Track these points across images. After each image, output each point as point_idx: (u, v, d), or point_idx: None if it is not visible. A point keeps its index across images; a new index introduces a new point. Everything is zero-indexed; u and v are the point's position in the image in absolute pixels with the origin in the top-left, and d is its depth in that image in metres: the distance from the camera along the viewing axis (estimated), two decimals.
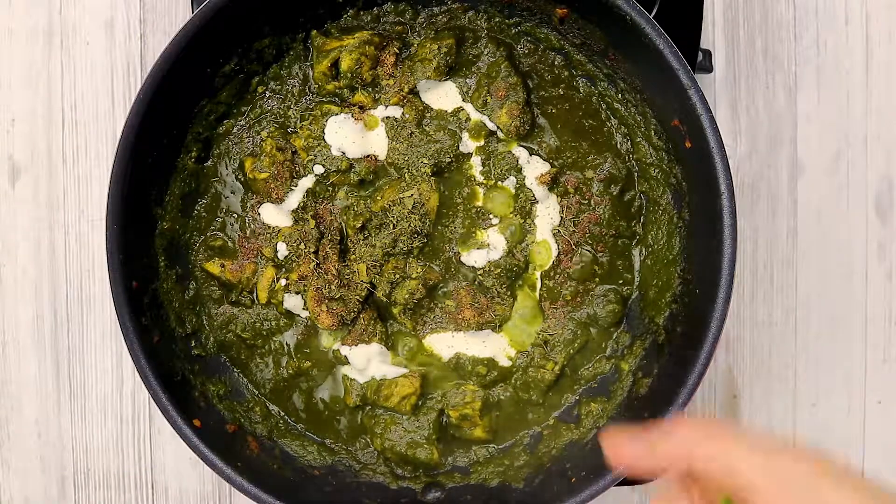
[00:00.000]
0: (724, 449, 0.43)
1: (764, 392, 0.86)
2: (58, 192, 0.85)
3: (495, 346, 0.79)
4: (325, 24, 0.78)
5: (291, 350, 0.79)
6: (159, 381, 0.70)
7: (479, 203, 0.79)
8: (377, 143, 0.78)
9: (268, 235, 0.78)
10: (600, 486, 0.68)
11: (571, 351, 0.79)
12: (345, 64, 0.75)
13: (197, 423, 0.72)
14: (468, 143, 0.78)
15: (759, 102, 0.85)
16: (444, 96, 0.78)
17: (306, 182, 0.77)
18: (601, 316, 0.78)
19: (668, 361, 0.73)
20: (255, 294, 0.79)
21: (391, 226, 0.76)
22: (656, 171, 0.77)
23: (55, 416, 0.86)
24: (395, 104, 0.77)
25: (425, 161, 0.76)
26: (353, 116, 0.77)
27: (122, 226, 0.69)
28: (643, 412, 0.73)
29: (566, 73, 0.78)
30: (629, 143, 0.78)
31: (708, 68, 0.80)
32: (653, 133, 0.75)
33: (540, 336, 0.79)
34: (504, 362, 0.79)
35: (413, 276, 0.76)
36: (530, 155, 0.78)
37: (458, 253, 0.78)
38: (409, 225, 0.76)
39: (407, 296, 0.76)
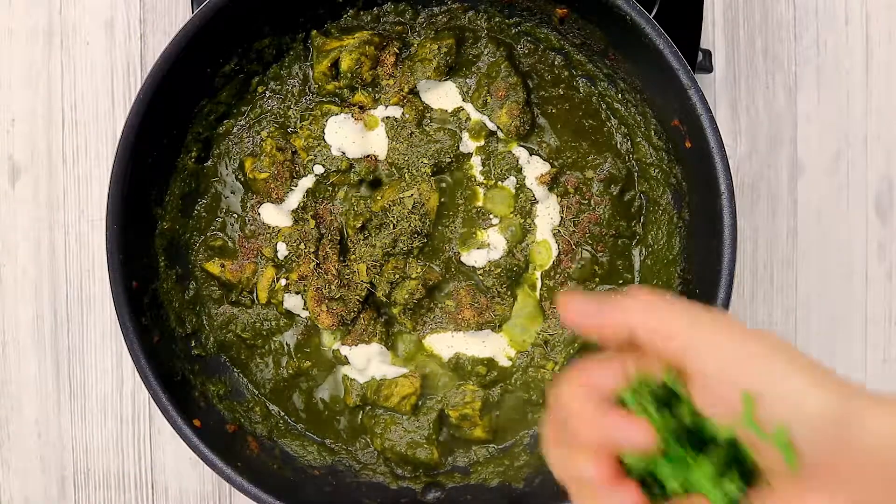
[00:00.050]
0: (667, 316, 0.44)
1: None
2: (58, 192, 0.85)
3: (495, 346, 0.79)
4: (325, 24, 0.78)
5: (291, 350, 0.79)
6: (159, 381, 0.70)
7: (480, 203, 0.79)
8: (377, 143, 0.78)
9: (268, 235, 0.78)
10: None
11: (571, 351, 0.79)
12: (345, 64, 0.75)
13: (197, 423, 0.72)
14: (468, 143, 0.78)
15: (759, 102, 0.85)
16: (444, 96, 0.78)
17: (306, 182, 0.77)
18: None
19: None
20: (255, 294, 0.79)
21: (391, 226, 0.76)
22: (656, 171, 0.77)
23: (55, 416, 0.86)
24: (395, 104, 0.77)
25: (425, 161, 0.77)
26: (353, 116, 0.77)
27: (122, 226, 0.70)
28: None
29: (566, 73, 0.78)
30: (629, 143, 0.78)
31: (708, 68, 0.80)
32: (653, 133, 0.75)
33: (540, 336, 0.79)
34: (504, 362, 0.79)
35: (413, 276, 0.77)
36: (530, 155, 0.78)
37: (458, 253, 0.78)
38: (409, 225, 0.76)
39: (407, 296, 0.76)
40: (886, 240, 0.86)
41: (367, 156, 0.77)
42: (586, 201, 0.78)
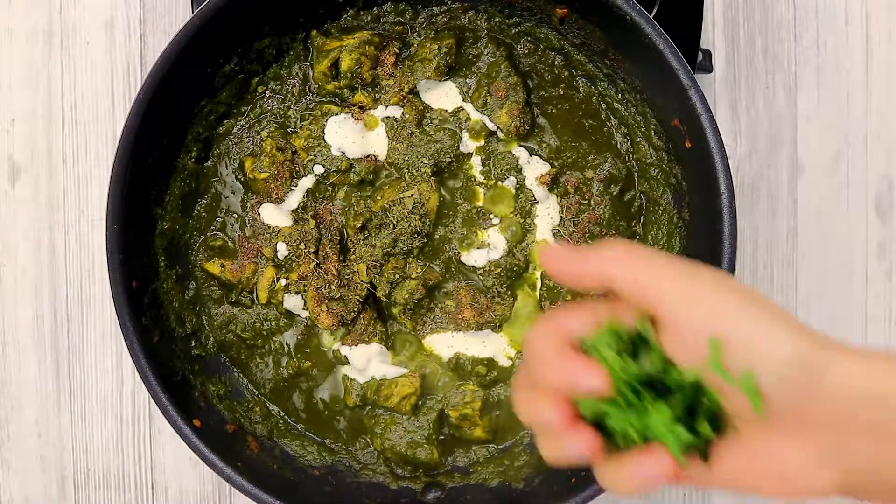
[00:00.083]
0: (642, 265, 0.44)
1: None
2: (58, 192, 0.85)
3: (495, 346, 0.79)
4: (325, 24, 0.78)
5: (291, 350, 0.79)
6: (159, 381, 0.70)
7: (480, 203, 0.79)
8: (377, 143, 0.78)
9: (268, 235, 0.78)
10: (601, 486, 0.67)
11: None
12: (345, 64, 0.75)
13: (197, 423, 0.72)
14: (468, 143, 0.78)
15: (759, 102, 0.85)
16: (444, 96, 0.78)
17: (306, 182, 0.77)
18: None
19: None
20: (255, 294, 0.79)
21: (391, 226, 0.76)
22: (656, 171, 0.77)
23: (55, 416, 0.86)
24: (395, 104, 0.77)
25: (425, 161, 0.77)
26: (353, 116, 0.77)
27: (122, 226, 0.70)
28: None
29: (566, 73, 0.78)
30: (629, 143, 0.78)
31: (708, 68, 0.80)
32: (653, 133, 0.75)
33: None
34: (504, 362, 0.79)
35: (413, 276, 0.77)
36: (530, 155, 0.78)
37: (458, 253, 0.78)
38: (409, 225, 0.76)
39: (407, 296, 0.76)
40: (886, 240, 0.86)
41: (367, 156, 0.77)
42: (586, 201, 0.78)
